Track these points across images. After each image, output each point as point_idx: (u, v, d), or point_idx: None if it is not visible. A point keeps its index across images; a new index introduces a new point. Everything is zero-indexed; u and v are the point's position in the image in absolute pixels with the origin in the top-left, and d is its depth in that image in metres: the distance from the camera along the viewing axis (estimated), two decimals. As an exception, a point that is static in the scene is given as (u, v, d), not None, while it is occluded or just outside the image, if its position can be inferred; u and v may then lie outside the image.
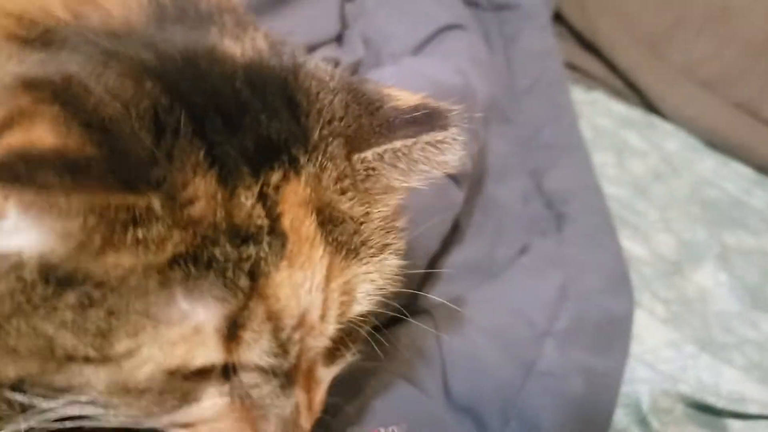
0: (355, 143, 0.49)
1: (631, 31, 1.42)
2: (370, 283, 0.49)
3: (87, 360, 0.42)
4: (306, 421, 0.50)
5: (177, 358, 0.43)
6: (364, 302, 0.49)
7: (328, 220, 0.47)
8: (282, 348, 0.45)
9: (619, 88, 1.41)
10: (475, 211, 0.96)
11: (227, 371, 0.46)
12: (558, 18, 1.42)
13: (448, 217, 0.86)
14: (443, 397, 0.71)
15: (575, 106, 1.22)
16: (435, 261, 0.86)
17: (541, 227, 0.96)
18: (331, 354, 0.51)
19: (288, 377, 0.47)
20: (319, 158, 0.47)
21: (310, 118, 0.48)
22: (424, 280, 0.84)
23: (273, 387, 0.47)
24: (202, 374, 0.45)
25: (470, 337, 0.76)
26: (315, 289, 0.45)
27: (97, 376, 0.43)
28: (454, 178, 0.84)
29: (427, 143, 0.49)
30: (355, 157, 0.49)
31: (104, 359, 0.42)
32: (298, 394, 0.49)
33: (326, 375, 0.52)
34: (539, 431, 0.70)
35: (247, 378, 0.46)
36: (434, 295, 0.84)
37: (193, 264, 0.42)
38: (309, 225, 0.45)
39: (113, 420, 0.46)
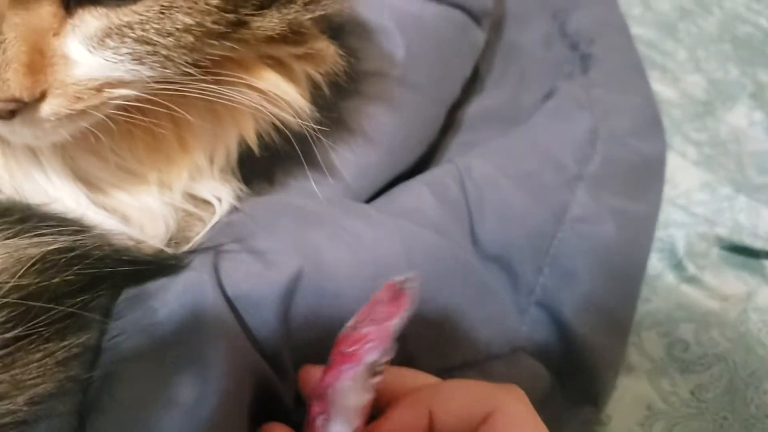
0: None
1: None
2: None
3: None
4: (16, 76, 0.40)
5: None
6: None
7: None
8: None
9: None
10: (495, 58, 0.90)
11: None
12: None
13: (469, 60, 0.80)
14: (470, 246, 0.67)
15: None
16: (455, 110, 0.81)
17: (566, 70, 0.89)
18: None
19: None
20: None
21: None
22: (445, 129, 0.79)
23: None
24: None
25: (496, 185, 0.71)
26: None
27: None
28: (474, 16, 0.78)
29: None
30: None
31: None
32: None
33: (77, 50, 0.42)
34: (573, 278, 0.67)
35: None
36: (455, 144, 0.80)
37: None
38: None
39: None
